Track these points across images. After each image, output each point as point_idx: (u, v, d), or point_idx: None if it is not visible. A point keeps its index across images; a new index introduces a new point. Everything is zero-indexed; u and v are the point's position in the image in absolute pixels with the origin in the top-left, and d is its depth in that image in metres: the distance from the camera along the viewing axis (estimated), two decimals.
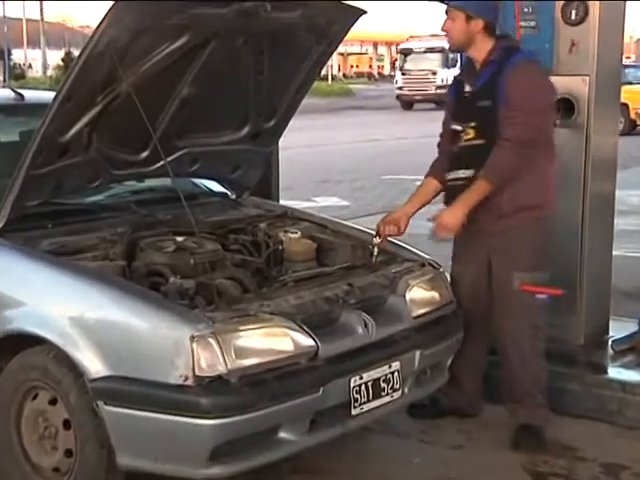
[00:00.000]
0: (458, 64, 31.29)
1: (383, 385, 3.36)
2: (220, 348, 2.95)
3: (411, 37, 35.43)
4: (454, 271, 3.89)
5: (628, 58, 42.50)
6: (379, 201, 10.59)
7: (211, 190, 4.43)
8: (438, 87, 30.93)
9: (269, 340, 3.10)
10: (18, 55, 50.93)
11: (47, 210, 3.60)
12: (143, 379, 2.98)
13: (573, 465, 3.69)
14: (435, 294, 3.76)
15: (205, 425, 2.92)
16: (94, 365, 3.04)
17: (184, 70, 3.58)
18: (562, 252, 4.14)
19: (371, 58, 67.09)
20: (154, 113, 3.58)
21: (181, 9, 3.28)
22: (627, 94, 13.78)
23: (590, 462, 3.71)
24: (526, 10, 4.23)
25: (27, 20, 52.15)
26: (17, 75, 38.47)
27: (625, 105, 16.02)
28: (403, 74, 32.04)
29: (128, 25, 3.17)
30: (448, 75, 31.13)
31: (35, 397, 3.27)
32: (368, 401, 3.31)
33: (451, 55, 31.58)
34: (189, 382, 2.92)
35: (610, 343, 4.49)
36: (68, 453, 3.19)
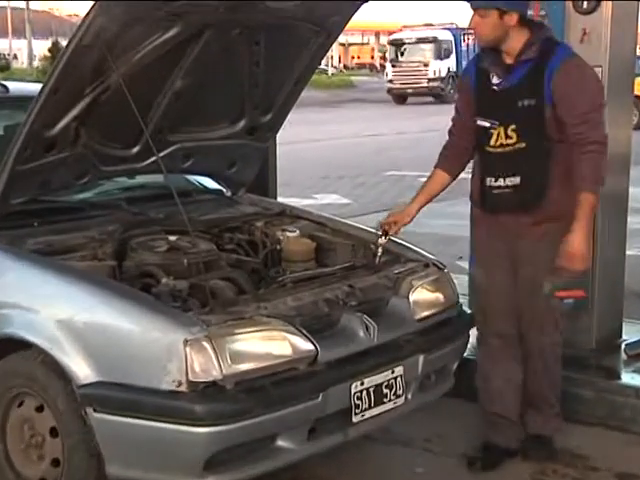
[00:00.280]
0: (453, 55, 31.38)
1: (385, 391, 3.36)
2: (215, 352, 2.95)
3: (404, 27, 35.17)
4: (479, 277, 3.80)
5: None
6: (381, 198, 10.60)
7: (205, 187, 4.43)
8: (430, 80, 30.74)
9: (266, 344, 3.10)
10: (3, 45, 50.91)
11: (33, 208, 3.60)
12: (134, 385, 2.98)
13: (585, 475, 3.70)
14: (440, 295, 3.77)
15: (199, 433, 2.92)
16: (83, 370, 3.04)
17: (177, 62, 3.59)
18: None
19: (373, 49, 67.05)
20: (146, 106, 3.59)
21: None
22: None
23: (603, 472, 3.72)
24: None
25: (12, 8, 52.18)
26: (2, 66, 38.45)
27: (639, 98, 16.01)
28: (393, 66, 31.71)
29: (117, 14, 3.17)
30: (441, 67, 31.03)
31: (21, 404, 3.27)
32: (369, 408, 3.31)
33: (444, 45, 31.50)
34: (182, 388, 2.92)
35: (623, 347, 4.49)
36: (55, 463, 3.20)
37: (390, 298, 3.57)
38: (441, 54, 31.26)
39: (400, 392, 3.41)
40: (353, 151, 15.56)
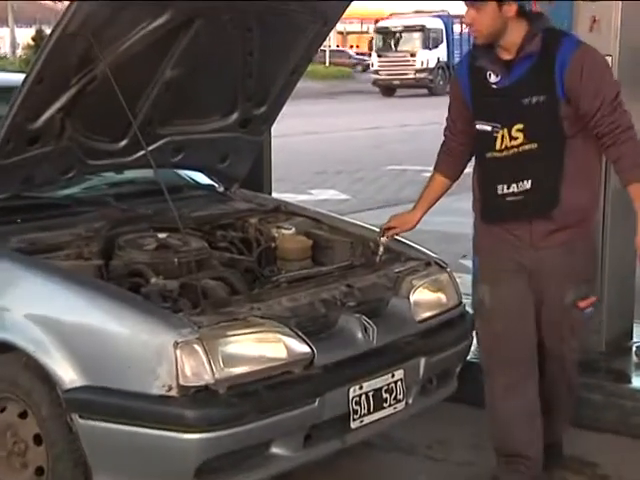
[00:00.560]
0: (443, 44, 31.08)
1: (385, 396, 3.36)
2: (206, 355, 2.95)
3: (393, 14, 34.54)
4: (482, 294, 3.60)
5: None
6: (381, 194, 10.62)
7: (197, 182, 4.44)
8: (417, 71, 30.31)
9: (260, 346, 3.10)
10: None
11: (16, 204, 3.60)
12: (122, 389, 2.98)
13: None
14: (442, 296, 3.77)
15: (190, 440, 2.92)
16: (68, 374, 3.04)
17: (167, 51, 3.58)
18: None
19: (372, 37, 67.10)
20: (134, 98, 3.59)
21: None
22: None
23: (612, 479, 3.72)
24: None
25: None
26: None
27: None
28: (379, 56, 31.42)
29: (104, 1, 3.17)
30: (429, 57, 30.65)
31: (3, 410, 3.27)
32: (369, 413, 3.31)
33: (432, 34, 31.18)
34: (172, 392, 2.92)
35: (634, 349, 4.50)
36: (39, 471, 3.19)
37: (390, 298, 3.57)
38: (429, 43, 30.88)
39: (400, 397, 3.42)
40: (351, 144, 15.58)
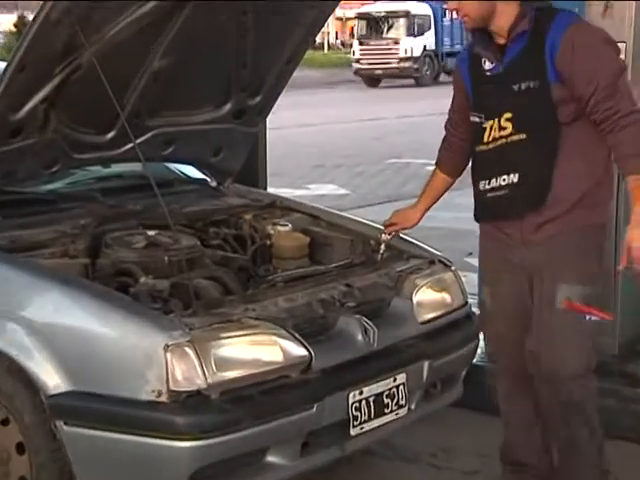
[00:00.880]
0: (431, 31, 30.56)
1: (386, 401, 3.37)
2: (198, 359, 2.95)
3: None
4: (486, 296, 3.58)
5: None
6: (382, 189, 10.62)
7: (188, 176, 4.44)
8: (401, 59, 29.63)
9: (255, 349, 3.11)
10: None
11: None
12: (109, 395, 2.98)
13: None
14: (446, 296, 3.78)
15: (181, 448, 2.92)
16: (52, 379, 3.04)
17: (156, 38, 3.58)
18: None
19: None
20: (122, 88, 3.59)
21: None
22: None
23: None
24: None
25: None
26: None
27: None
28: (361, 44, 30.73)
29: None
30: (414, 45, 29.89)
31: None
32: (369, 419, 3.32)
33: (418, 20, 30.24)
34: (163, 398, 2.92)
35: None
36: None
37: (392, 299, 3.58)
38: (415, 30, 30.25)
39: (403, 402, 3.42)
40: (350, 136, 15.58)
